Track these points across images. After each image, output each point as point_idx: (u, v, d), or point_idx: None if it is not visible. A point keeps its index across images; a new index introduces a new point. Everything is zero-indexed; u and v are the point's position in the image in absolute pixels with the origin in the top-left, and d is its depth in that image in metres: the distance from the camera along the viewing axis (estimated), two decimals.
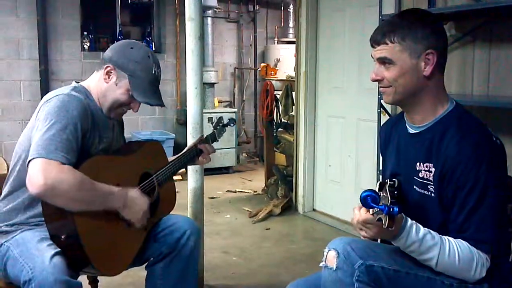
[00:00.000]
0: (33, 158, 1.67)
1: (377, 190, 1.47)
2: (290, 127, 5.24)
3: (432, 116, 1.57)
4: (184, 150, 2.31)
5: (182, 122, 6.25)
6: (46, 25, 5.83)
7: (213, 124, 2.51)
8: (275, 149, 5.54)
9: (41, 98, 1.93)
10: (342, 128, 4.33)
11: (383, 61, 1.55)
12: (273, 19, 7.68)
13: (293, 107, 4.99)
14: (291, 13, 7.42)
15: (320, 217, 4.50)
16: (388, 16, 3.07)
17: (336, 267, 1.45)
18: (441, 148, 1.51)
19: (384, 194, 1.44)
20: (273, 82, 5.59)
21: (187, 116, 2.92)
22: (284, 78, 5.85)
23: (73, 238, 1.72)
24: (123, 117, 2.15)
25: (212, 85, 6.36)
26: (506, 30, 2.89)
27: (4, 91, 5.69)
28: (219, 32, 7.12)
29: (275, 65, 7.11)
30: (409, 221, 1.45)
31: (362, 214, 1.43)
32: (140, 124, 6.54)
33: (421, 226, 1.46)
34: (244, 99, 7.50)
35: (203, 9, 3.47)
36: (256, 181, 5.91)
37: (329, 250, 1.50)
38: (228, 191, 5.49)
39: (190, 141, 2.74)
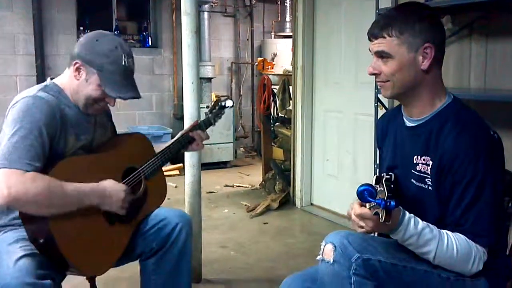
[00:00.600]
0: None
1: (373, 184, 1.47)
2: (287, 122, 5.24)
3: (430, 110, 1.57)
4: (175, 139, 2.24)
5: (179, 117, 6.24)
6: (42, 20, 5.81)
7: (209, 108, 2.42)
8: (272, 143, 5.54)
9: None
10: (339, 122, 4.33)
11: (380, 55, 1.54)
12: (270, 14, 7.67)
13: (290, 101, 4.99)
14: (288, 8, 7.40)
15: (318, 211, 4.51)
16: (384, 10, 3.07)
17: (333, 260, 1.45)
18: (438, 142, 1.51)
19: (381, 188, 1.43)
20: (270, 76, 5.58)
21: (184, 111, 2.92)
22: (281, 72, 5.84)
23: (49, 240, 1.69)
24: (113, 110, 2.13)
25: (209, 79, 6.36)
26: (503, 23, 2.89)
27: (0, 86, 5.67)
28: (216, 26, 7.10)
29: (272, 59, 7.10)
30: (407, 214, 1.45)
31: (359, 208, 1.43)
32: (137, 119, 6.53)
33: (419, 220, 1.47)
34: (241, 93, 7.49)
35: (199, 4, 3.47)
36: (254, 175, 5.91)
37: (326, 244, 1.50)
38: (226, 185, 5.50)
39: None
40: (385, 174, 1.63)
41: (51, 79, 1.94)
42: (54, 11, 5.91)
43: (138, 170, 2.02)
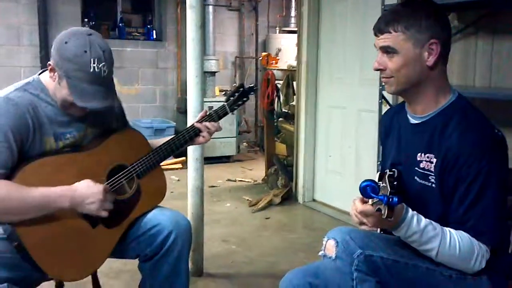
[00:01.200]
0: None
1: (376, 181, 1.47)
2: (290, 117, 5.23)
3: (434, 107, 1.57)
4: (179, 133, 2.06)
5: (182, 111, 6.25)
6: (47, 11, 5.81)
7: (227, 94, 2.18)
8: (275, 138, 5.54)
9: None
10: (342, 118, 4.32)
11: (386, 50, 1.54)
12: (275, 8, 7.65)
13: (294, 97, 4.98)
14: (293, 2, 7.38)
15: (320, 207, 4.51)
16: (390, 6, 3.05)
17: (335, 256, 1.45)
18: (443, 139, 1.51)
19: (383, 185, 1.43)
20: (274, 71, 5.57)
21: (187, 104, 2.91)
22: (285, 67, 5.84)
23: (20, 243, 1.67)
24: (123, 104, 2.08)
25: (213, 74, 6.35)
26: (509, 21, 2.87)
27: (4, 77, 5.67)
28: (221, 20, 7.09)
29: (276, 54, 7.09)
30: (410, 211, 1.45)
31: (361, 205, 1.42)
32: (140, 112, 6.53)
33: (422, 217, 1.46)
34: None
35: None
36: (256, 170, 5.91)
37: (328, 239, 1.50)
38: (228, 180, 5.50)
39: None
40: (388, 170, 1.63)
41: (43, 71, 1.86)
42: (59, 2, 5.91)
43: (127, 169, 1.90)
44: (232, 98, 2.12)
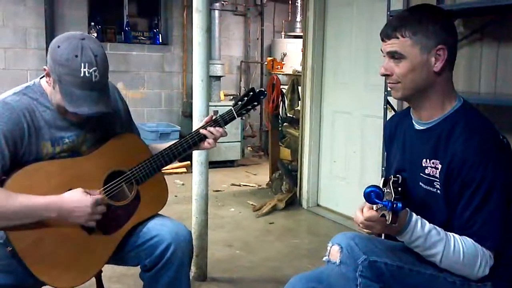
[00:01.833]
0: None
1: (381, 186, 1.47)
2: (295, 122, 5.23)
3: (440, 113, 1.57)
4: (182, 138, 2.01)
5: (187, 115, 6.26)
6: (54, 15, 5.85)
7: (236, 99, 2.05)
8: (280, 143, 5.54)
9: None
10: (347, 123, 4.32)
11: (393, 55, 1.54)
12: (281, 13, 7.66)
13: (299, 101, 4.98)
14: (299, 7, 7.39)
15: (324, 212, 4.50)
16: (395, 12, 3.06)
17: (340, 261, 1.45)
18: (448, 145, 1.51)
19: (388, 190, 1.43)
20: (280, 76, 5.58)
21: (192, 108, 2.92)
22: (291, 72, 5.84)
23: (13, 252, 1.66)
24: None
25: (218, 78, 6.36)
26: None
27: (11, 80, 5.70)
28: (226, 25, 7.10)
29: (282, 59, 7.09)
30: (414, 216, 1.45)
31: (365, 211, 1.42)
32: (145, 116, 6.54)
33: (426, 222, 1.46)
34: None
35: (210, 2, 3.46)
36: (261, 175, 5.91)
37: (332, 245, 1.50)
38: (232, 184, 5.50)
39: None
40: (392, 176, 1.62)
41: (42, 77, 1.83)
42: (66, 6, 5.95)
43: (125, 174, 1.86)
44: (240, 102, 2.01)
